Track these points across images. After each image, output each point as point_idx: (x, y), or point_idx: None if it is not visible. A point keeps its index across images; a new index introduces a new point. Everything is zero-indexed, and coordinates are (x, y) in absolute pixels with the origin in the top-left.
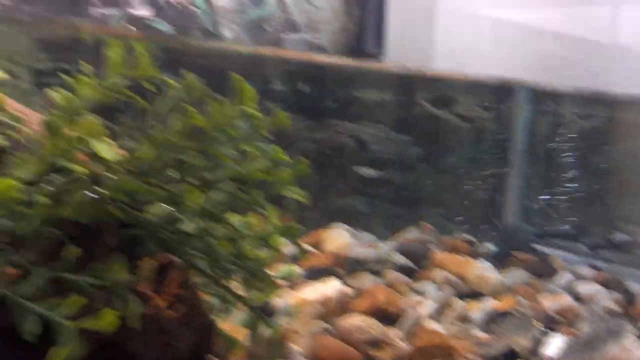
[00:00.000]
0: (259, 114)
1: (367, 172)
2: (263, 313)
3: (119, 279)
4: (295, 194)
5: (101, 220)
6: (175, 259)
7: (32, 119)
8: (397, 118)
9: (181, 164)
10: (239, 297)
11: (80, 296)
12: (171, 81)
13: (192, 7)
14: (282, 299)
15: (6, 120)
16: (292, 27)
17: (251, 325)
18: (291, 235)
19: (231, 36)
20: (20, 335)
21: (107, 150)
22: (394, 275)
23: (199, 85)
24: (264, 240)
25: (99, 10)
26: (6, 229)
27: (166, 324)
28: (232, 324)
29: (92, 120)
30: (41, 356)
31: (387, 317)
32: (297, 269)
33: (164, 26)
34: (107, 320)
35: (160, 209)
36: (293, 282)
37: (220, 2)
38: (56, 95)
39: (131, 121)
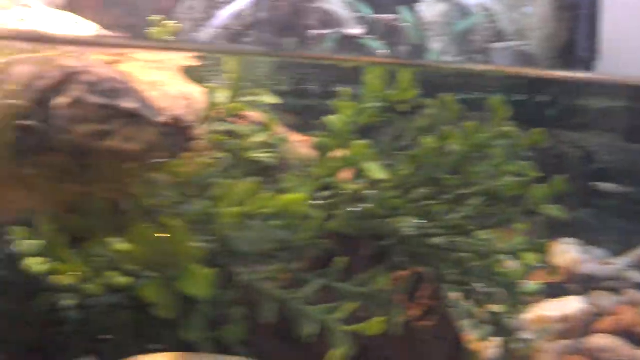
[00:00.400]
0: (516, 132)
1: (608, 187)
2: (510, 329)
3: (381, 288)
4: (553, 210)
5: (359, 233)
6: (426, 271)
7: (292, 139)
8: (629, 127)
9: (435, 181)
10: (489, 312)
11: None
12: (428, 101)
13: (400, 23)
14: (524, 315)
15: (271, 140)
16: (500, 35)
17: (502, 342)
18: (539, 251)
19: (438, 49)
20: (293, 336)
21: (379, 170)
22: (634, 294)
23: (454, 105)
24: (514, 255)
25: (315, 32)
26: (285, 240)
27: (419, 334)
28: (477, 338)
29: (363, 143)
30: (306, 353)
31: (635, 338)
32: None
33: (375, 43)
34: (376, 326)
35: (413, 223)
36: (532, 298)
37: (428, 16)
38: (331, 118)
39: (388, 140)
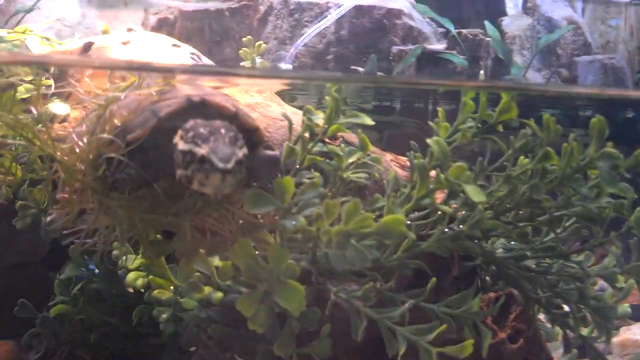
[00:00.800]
0: (618, 154)
1: None
2: (600, 354)
3: (470, 310)
4: None
5: (450, 253)
6: (515, 292)
7: (385, 158)
8: None
9: (531, 203)
10: (580, 335)
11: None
12: (530, 123)
13: (485, 37)
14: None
15: (365, 160)
16: (586, 48)
17: None
18: (636, 274)
19: (522, 62)
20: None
21: (477, 193)
22: None
23: (554, 126)
24: (608, 279)
25: (398, 48)
26: (377, 259)
27: (507, 355)
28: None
29: (461, 165)
30: None
31: None
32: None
33: (457, 59)
34: (466, 349)
35: (506, 244)
36: (621, 322)
37: (513, 30)
38: (431, 142)
39: (484, 161)
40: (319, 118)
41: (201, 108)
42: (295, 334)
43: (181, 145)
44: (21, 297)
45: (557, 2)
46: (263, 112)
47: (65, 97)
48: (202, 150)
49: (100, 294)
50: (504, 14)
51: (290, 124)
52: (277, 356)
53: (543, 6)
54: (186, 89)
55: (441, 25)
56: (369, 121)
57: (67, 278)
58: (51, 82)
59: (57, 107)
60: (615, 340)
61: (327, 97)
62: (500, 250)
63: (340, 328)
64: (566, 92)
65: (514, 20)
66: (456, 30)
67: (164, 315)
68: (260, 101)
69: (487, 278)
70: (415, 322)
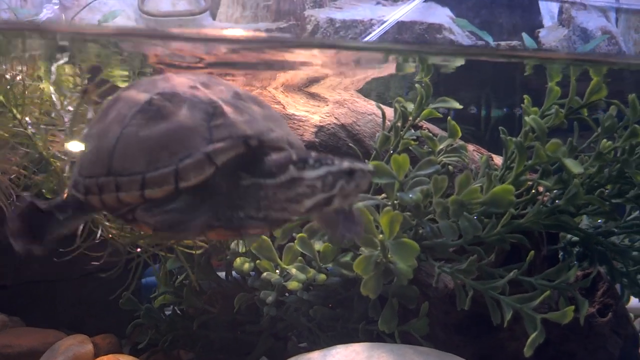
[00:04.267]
0: None
1: None
2: None
3: (567, 281)
4: None
5: (537, 232)
6: (602, 270)
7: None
8: None
9: (619, 179)
10: None
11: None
12: (616, 102)
13: (522, 49)
14: None
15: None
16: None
17: None
18: None
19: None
20: (470, 331)
21: (576, 165)
22: None
23: (639, 105)
24: None
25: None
26: (478, 235)
27: (598, 328)
28: None
29: (557, 141)
30: (480, 346)
31: None
32: None
33: None
34: (568, 315)
35: (592, 222)
36: None
37: (549, 41)
38: (528, 119)
39: (573, 141)
40: (410, 106)
41: (257, 149)
42: (396, 311)
43: (312, 174)
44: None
45: (591, 13)
46: (351, 107)
47: None
48: (344, 165)
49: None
50: (541, 25)
51: (384, 114)
52: (377, 335)
53: (578, 17)
54: (184, 80)
55: (481, 39)
56: (457, 105)
57: (170, 270)
58: None
59: None
60: None
61: (417, 85)
62: (593, 227)
63: (437, 307)
64: None
65: (550, 32)
66: (495, 43)
67: (270, 298)
68: (348, 98)
69: (580, 254)
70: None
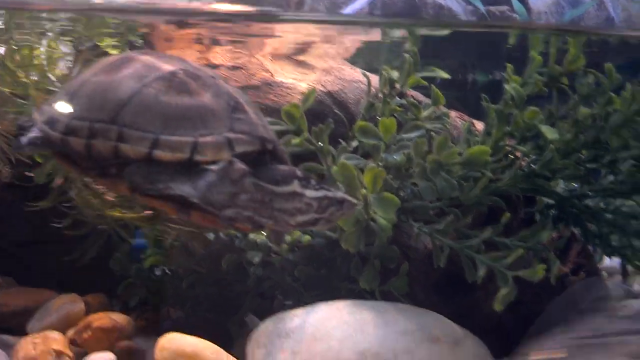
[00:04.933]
0: None
1: None
2: None
3: (540, 241)
4: None
5: (514, 195)
6: (576, 232)
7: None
8: None
9: (594, 145)
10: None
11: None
12: (593, 71)
13: (512, 14)
14: None
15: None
16: (609, 23)
17: None
18: None
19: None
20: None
21: (551, 132)
22: None
23: (616, 75)
24: None
25: None
26: (451, 196)
27: (570, 287)
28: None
29: (534, 108)
30: (456, 306)
31: None
32: None
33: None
34: (538, 273)
35: (567, 186)
36: None
37: (539, 6)
38: (508, 87)
39: (554, 107)
40: (396, 74)
41: (271, 152)
42: (377, 270)
43: (312, 194)
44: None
45: None
46: (338, 75)
47: None
48: (338, 194)
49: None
50: None
51: (369, 81)
52: (358, 293)
53: None
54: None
55: (470, 3)
56: (444, 75)
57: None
58: None
59: None
60: None
61: (405, 53)
62: (567, 190)
63: (416, 267)
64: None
65: None
66: (485, 8)
67: (256, 259)
68: (335, 66)
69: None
70: None
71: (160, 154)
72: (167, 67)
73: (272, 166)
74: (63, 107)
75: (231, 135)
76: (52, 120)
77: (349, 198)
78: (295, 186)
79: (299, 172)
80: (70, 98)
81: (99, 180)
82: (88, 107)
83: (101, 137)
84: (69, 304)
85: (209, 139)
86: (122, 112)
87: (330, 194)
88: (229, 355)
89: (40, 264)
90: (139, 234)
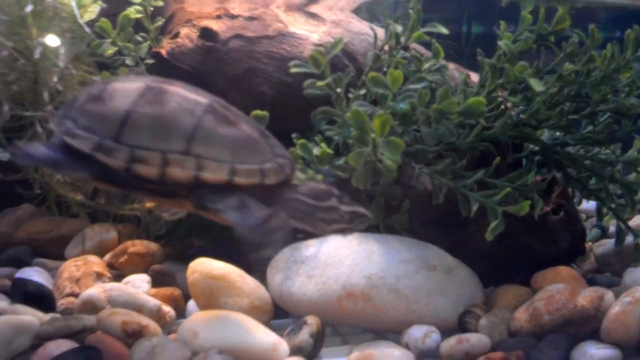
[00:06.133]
0: None
1: None
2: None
3: (526, 182)
4: None
5: (504, 142)
6: (557, 175)
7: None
8: None
9: (576, 98)
10: (612, 208)
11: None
12: (577, 31)
13: None
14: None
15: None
16: None
17: (619, 236)
18: None
19: None
20: (444, 225)
21: (538, 84)
22: None
23: (598, 35)
24: (632, 164)
25: None
26: (449, 142)
27: (551, 224)
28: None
29: (524, 63)
30: (452, 237)
31: None
32: None
33: None
34: (523, 208)
35: (551, 135)
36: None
37: None
38: (501, 43)
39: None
40: (400, 29)
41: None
42: (382, 207)
43: (346, 208)
44: None
45: None
46: (346, 28)
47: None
48: (361, 210)
49: None
50: None
51: (375, 34)
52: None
53: None
54: (185, 90)
55: None
56: (444, 30)
57: None
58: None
59: None
60: (631, 223)
61: (410, 10)
62: (551, 139)
63: (416, 205)
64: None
65: None
66: None
67: None
68: (343, 18)
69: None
70: None
71: (239, 180)
72: (201, 99)
73: (311, 184)
74: (113, 135)
75: (280, 160)
76: (105, 148)
77: (367, 213)
78: (334, 202)
79: (335, 191)
80: (120, 127)
81: (160, 200)
82: (151, 138)
83: (177, 166)
84: (104, 232)
85: (268, 165)
86: (193, 144)
87: (357, 209)
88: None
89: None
90: None
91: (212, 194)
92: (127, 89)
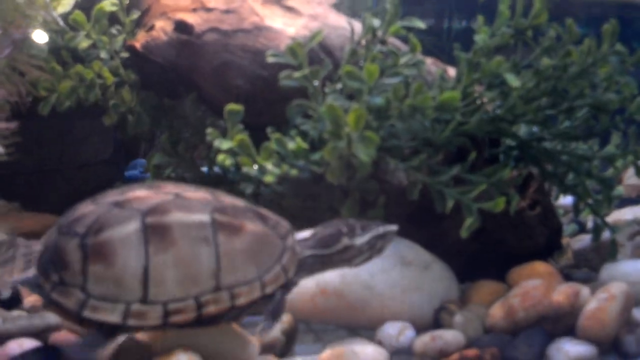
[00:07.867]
0: (626, 51)
1: None
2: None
3: (502, 178)
4: None
5: (480, 137)
6: (534, 171)
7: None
8: None
9: (553, 92)
10: (588, 204)
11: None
12: (554, 26)
13: None
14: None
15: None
16: None
17: (596, 231)
18: (634, 156)
19: None
20: (420, 220)
21: (514, 79)
22: None
23: (575, 29)
24: (609, 160)
25: None
26: (424, 137)
27: (527, 220)
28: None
29: (500, 58)
30: (427, 233)
31: None
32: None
33: None
34: (499, 205)
35: (528, 130)
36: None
37: None
38: (477, 38)
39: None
40: (377, 22)
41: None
42: (357, 202)
43: (360, 240)
44: (92, 191)
45: None
46: (324, 22)
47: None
48: (380, 229)
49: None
50: None
51: (352, 29)
52: None
53: None
54: (177, 209)
55: None
56: (421, 25)
57: (157, 164)
58: None
59: None
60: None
61: (387, 4)
62: (527, 134)
63: (392, 200)
64: None
65: None
66: None
67: (248, 190)
68: (321, 12)
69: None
70: None
71: (269, 290)
72: (203, 216)
73: (317, 233)
74: (139, 296)
75: (288, 241)
76: (136, 313)
77: (389, 228)
78: (345, 242)
79: (342, 228)
80: (143, 286)
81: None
82: (179, 287)
83: (212, 305)
84: None
85: (285, 258)
86: (220, 277)
87: (374, 232)
88: None
89: (43, 192)
90: (131, 166)
91: (245, 312)
92: (124, 237)
